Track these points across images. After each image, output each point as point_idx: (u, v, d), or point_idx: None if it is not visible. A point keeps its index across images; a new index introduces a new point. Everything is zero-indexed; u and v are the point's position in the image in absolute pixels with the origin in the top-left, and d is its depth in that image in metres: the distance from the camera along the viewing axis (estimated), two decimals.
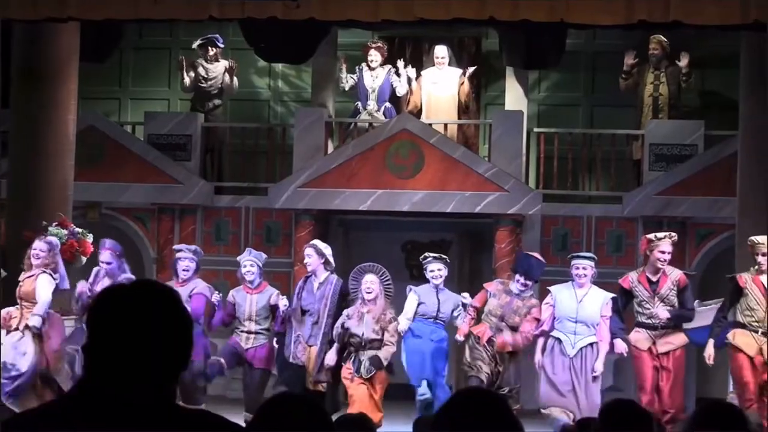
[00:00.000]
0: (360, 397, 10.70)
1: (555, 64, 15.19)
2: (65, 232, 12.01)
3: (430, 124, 15.18)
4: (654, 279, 10.83)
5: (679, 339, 10.91)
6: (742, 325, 10.68)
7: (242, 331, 11.35)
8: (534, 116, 16.20)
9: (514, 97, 15.89)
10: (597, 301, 10.85)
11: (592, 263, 11.03)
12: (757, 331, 10.60)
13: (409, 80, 15.62)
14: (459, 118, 15.63)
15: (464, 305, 11.16)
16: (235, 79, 15.89)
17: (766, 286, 10.63)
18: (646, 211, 14.69)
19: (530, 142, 15.67)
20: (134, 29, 16.15)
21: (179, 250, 11.72)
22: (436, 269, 11.13)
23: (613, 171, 15.48)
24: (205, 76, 15.91)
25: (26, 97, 12.68)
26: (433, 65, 15.65)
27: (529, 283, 11.12)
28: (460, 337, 11.06)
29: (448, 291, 11.34)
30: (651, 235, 11.09)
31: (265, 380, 11.41)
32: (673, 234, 11.16)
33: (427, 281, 11.44)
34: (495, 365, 11.04)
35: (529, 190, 14.82)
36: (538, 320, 11.03)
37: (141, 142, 15.70)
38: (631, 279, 10.94)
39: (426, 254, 11.42)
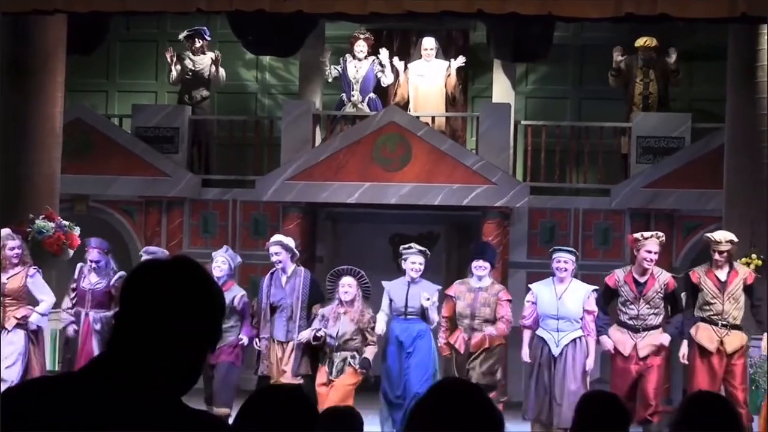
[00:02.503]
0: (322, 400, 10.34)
1: (543, 56, 15.21)
2: (52, 224, 11.99)
3: (418, 117, 15.18)
4: (641, 280, 10.67)
5: (661, 339, 10.75)
6: (704, 320, 10.71)
7: None
8: (522, 109, 16.21)
9: (502, 89, 15.89)
10: (578, 296, 10.67)
11: (574, 257, 10.84)
12: (716, 324, 10.64)
13: (397, 72, 15.61)
14: (446, 111, 15.63)
15: (432, 306, 10.85)
16: (221, 70, 15.87)
17: (721, 280, 10.65)
18: (634, 203, 14.71)
19: (518, 134, 15.67)
20: (121, 21, 16.10)
21: (153, 253, 11.54)
22: (417, 262, 10.85)
23: (600, 164, 15.49)
24: (192, 68, 15.89)
25: (13, 89, 12.64)
26: (421, 57, 15.63)
27: (488, 266, 10.95)
28: (446, 354, 10.98)
29: (423, 282, 10.98)
30: (638, 234, 10.95)
31: (231, 373, 11.02)
32: (660, 234, 10.98)
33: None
34: (473, 371, 10.83)
35: (517, 183, 14.83)
36: (509, 301, 10.96)
37: (128, 135, 15.67)
38: (617, 277, 10.75)
39: (410, 245, 11.13)
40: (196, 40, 15.87)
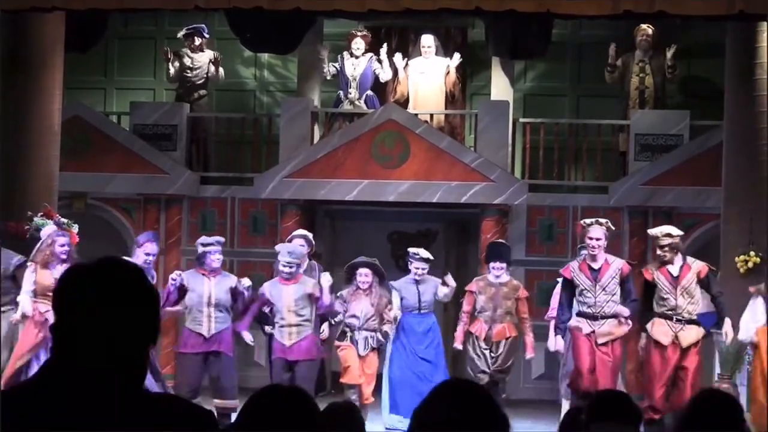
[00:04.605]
0: (354, 365, 11.27)
1: (541, 54, 15.19)
2: (50, 222, 11.98)
3: (416, 114, 15.18)
4: (595, 266, 10.75)
5: (619, 330, 10.82)
6: (660, 315, 10.78)
7: (283, 326, 11.17)
8: (520, 106, 16.21)
9: (500, 87, 15.89)
10: None
11: None
12: (671, 319, 10.70)
13: (397, 69, 15.61)
14: (446, 108, 15.63)
15: (444, 283, 11.76)
16: (221, 69, 15.89)
17: (673, 275, 10.71)
18: (632, 201, 14.72)
19: (516, 132, 15.67)
20: (119, 19, 16.09)
21: (209, 244, 11.47)
22: (421, 268, 11.66)
23: (598, 161, 15.50)
24: (190, 66, 15.89)
25: (11, 87, 12.62)
26: (420, 55, 15.63)
27: (504, 265, 11.68)
28: (458, 345, 11.75)
29: (426, 278, 11.78)
30: (582, 221, 11.13)
31: (314, 370, 11.19)
32: (603, 220, 11.02)
33: (407, 272, 12.02)
34: (493, 357, 11.56)
35: (515, 180, 14.84)
36: (527, 298, 11.76)
37: (126, 132, 15.66)
38: (572, 268, 10.88)
39: (417, 251, 11.84)
40: (195, 38, 15.87)
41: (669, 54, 15.28)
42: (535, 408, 11.83)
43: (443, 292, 11.74)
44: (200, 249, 11.32)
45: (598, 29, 15.62)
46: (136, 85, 17.01)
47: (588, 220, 11.01)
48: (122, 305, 2.41)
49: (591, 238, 10.72)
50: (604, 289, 10.65)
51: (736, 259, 11.79)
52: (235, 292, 11.13)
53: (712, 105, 14.48)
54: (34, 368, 10.58)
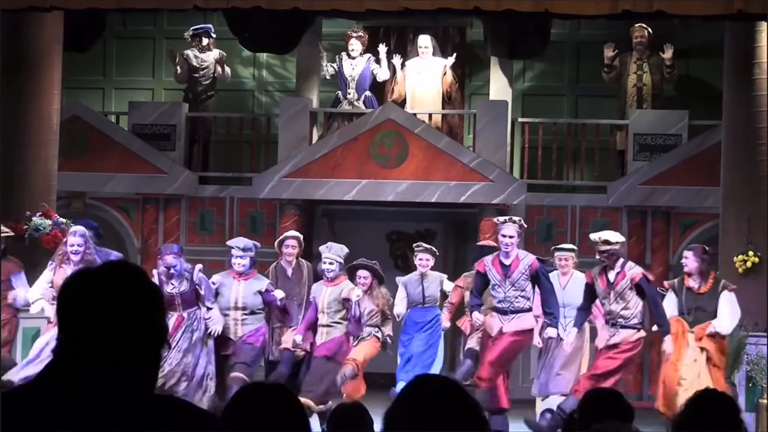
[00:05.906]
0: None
1: (539, 54, 15.21)
2: (49, 222, 11.99)
3: (415, 114, 15.18)
4: (507, 263, 10.81)
5: (527, 323, 10.86)
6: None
7: (318, 325, 11.18)
8: (518, 106, 16.21)
9: (499, 87, 15.89)
10: (580, 286, 11.11)
11: (573, 253, 11.68)
12: (608, 323, 10.72)
13: (395, 69, 15.61)
14: (443, 109, 15.63)
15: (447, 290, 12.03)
16: (227, 68, 15.88)
17: (610, 280, 10.68)
18: (630, 200, 14.72)
19: (515, 132, 15.68)
20: (117, 18, 16.10)
21: (231, 248, 11.45)
22: (424, 258, 11.95)
23: (597, 161, 15.50)
24: (198, 65, 15.87)
25: (9, 86, 12.63)
26: (418, 55, 15.63)
27: None
28: (445, 324, 11.86)
29: (432, 274, 12.02)
30: (496, 218, 11.24)
31: (328, 368, 11.18)
32: (516, 218, 11.05)
33: (410, 270, 12.33)
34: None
35: (514, 180, 14.84)
36: None
37: (125, 132, 15.66)
38: (486, 262, 10.94)
39: (419, 243, 12.19)
40: (203, 38, 15.85)
41: (668, 53, 15.28)
42: (534, 407, 11.79)
43: (450, 286, 11.96)
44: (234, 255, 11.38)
45: (596, 29, 15.62)
46: (135, 85, 17.01)
47: (501, 218, 11.10)
48: (125, 307, 2.40)
49: (504, 236, 10.80)
50: (513, 285, 10.74)
51: (735, 258, 11.79)
52: (264, 296, 11.21)
53: (710, 105, 14.49)
54: None
